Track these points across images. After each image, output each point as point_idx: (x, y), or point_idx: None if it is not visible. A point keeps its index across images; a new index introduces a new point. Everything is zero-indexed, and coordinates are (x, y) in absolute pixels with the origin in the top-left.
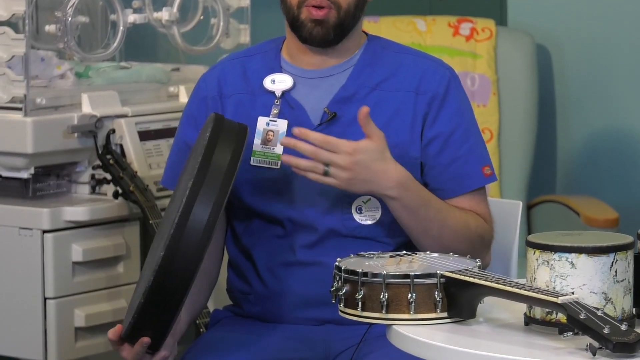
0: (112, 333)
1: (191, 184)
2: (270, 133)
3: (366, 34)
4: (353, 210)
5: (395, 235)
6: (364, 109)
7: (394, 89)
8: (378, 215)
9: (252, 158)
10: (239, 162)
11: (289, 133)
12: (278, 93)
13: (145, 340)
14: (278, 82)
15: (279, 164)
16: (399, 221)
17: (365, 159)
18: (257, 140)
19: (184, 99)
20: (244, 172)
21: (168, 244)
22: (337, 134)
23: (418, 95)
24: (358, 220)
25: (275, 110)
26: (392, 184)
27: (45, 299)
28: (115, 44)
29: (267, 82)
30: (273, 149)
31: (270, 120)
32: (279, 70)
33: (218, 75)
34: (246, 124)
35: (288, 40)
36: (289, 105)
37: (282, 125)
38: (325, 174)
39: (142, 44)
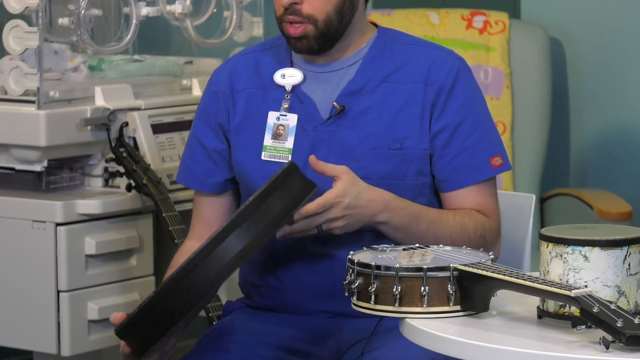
0: (114, 318)
1: (235, 214)
2: (281, 127)
3: (376, 25)
4: None
5: None
6: (311, 159)
7: (403, 80)
8: None
9: (262, 153)
10: (289, 214)
11: (299, 127)
12: (288, 87)
13: (126, 350)
14: (288, 77)
15: (290, 157)
16: (393, 240)
17: (350, 200)
18: (267, 135)
19: (197, 92)
20: (255, 167)
21: (188, 262)
22: (346, 127)
23: (427, 85)
24: None
25: (285, 105)
26: (381, 207)
27: (58, 291)
28: (128, 37)
29: (278, 77)
30: (283, 143)
31: (281, 115)
32: (290, 64)
33: (230, 70)
34: (316, 183)
35: None
36: (298, 100)
37: (292, 119)
38: (319, 230)
39: (155, 37)
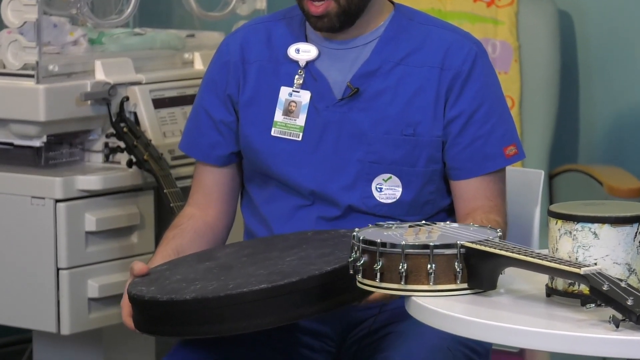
0: (137, 267)
1: (305, 277)
2: (293, 104)
3: (393, 2)
4: (373, 189)
5: (415, 214)
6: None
7: (418, 64)
8: (398, 194)
9: (272, 129)
10: (341, 307)
11: (311, 105)
12: (302, 63)
13: (128, 321)
14: (303, 52)
15: (301, 135)
16: None
17: None
18: (278, 111)
19: (199, 65)
20: (264, 143)
21: (243, 292)
22: (359, 109)
23: (443, 70)
24: (378, 199)
25: (299, 81)
26: None
27: (58, 269)
28: (129, 10)
29: (292, 51)
30: (295, 120)
31: (294, 91)
32: (304, 39)
33: (241, 40)
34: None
35: None
36: (312, 77)
37: (305, 96)
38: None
39: (157, 10)
